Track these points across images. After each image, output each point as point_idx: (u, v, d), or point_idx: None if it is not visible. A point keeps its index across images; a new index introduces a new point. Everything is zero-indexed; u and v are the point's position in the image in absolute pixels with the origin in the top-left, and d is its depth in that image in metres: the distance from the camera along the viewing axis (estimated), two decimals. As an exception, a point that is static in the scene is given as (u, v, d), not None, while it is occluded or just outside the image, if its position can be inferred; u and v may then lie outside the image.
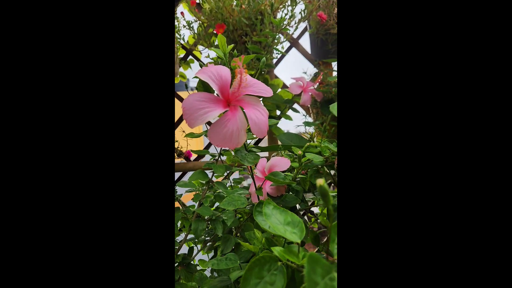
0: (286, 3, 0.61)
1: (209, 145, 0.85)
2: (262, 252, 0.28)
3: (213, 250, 0.63)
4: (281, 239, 0.27)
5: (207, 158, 0.92)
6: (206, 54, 0.73)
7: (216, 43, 0.68)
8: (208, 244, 0.63)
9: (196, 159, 0.90)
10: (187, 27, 0.66)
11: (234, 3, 0.58)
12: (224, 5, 0.57)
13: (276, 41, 0.55)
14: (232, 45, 0.30)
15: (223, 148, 0.64)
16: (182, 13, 0.69)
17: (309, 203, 0.75)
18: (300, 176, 0.42)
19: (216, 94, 0.25)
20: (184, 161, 0.87)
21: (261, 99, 0.40)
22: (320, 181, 0.16)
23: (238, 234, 0.55)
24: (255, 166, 0.47)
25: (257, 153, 0.35)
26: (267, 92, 0.25)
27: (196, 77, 0.25)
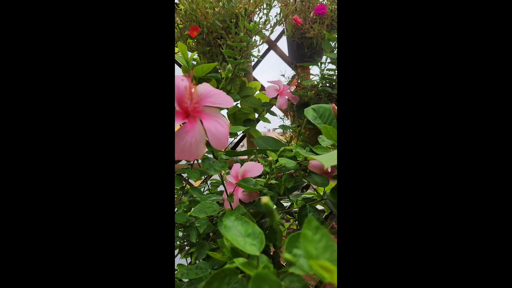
0: (262, 6, 0.61)
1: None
2: (229, 262, 0.28)
3: (190, 255, 0.62)
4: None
5: (183, 161, 0.91)
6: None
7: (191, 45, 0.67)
8: (186, 248, 0.62)
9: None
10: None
11: (208, 6, 0.57)
12: (198, 7, 0.56)
13: (251, 44, 0.55)
14: (195, 52, 0.30)
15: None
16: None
17: (288, 206, 0.76)
18: (272, 181, 0.42)
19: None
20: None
21: (223, 110, 0.40)
22: (265, 199, 0.16)
23: (213, 240, 0.55)
24: (229, 171, 0.47)
25: (226, 160, 0.35)
26: (228, 102, 0.25)
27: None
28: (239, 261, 0.22)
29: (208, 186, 0.68)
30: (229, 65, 0.33)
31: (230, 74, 0.33)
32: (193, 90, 0.23)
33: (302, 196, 0.65)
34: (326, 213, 0.87)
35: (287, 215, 0.77)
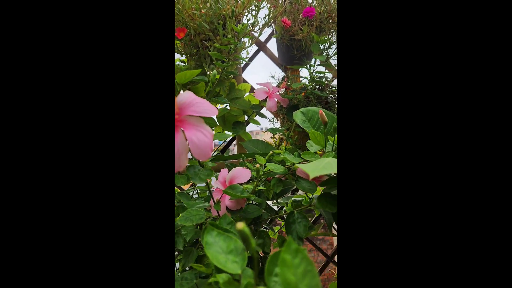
0: (250, 8, 0.60)
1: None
2: (212, 275, 0.27)
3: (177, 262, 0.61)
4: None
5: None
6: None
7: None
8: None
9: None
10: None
11: (194, 6, 0.56)
12: (184, 8, 0.55)
13: (239, 47, 0.54)
14: (178, 58, 0.29)
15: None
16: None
17: (279, 208, 0.75)
18: (260, 188, 0.42)
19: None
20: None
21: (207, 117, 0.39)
22: (240, 225, 0.15)
23: (200, 245, 0.54)
24: (217, 174, 0.46)
25: (211, 168, 0.34)
26: (211, 111, 0.24)
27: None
28: (221, 278, 0.22)
29: (197, 190, 0.67)
30: (215, 71, 0.32)
31: (215, 80, 0.32)
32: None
33: (292, 199, 0.65)
34: (316, 215, 0.87)
35: (279, 218, 0.77)
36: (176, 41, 0.65)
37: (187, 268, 0.47)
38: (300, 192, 0.84)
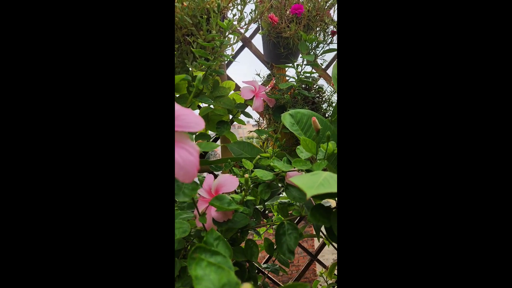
0: (235, 2, 0.56)
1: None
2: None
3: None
4: None
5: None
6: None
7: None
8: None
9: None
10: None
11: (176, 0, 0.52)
12: None
13: (225, 44, 0.51)
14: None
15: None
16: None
17: (262, 210, 0.73)
18: (248, 198, 0.40)
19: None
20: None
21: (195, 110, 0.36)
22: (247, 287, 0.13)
23: (184, 256, 0.51)
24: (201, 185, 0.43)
25: (196, 182, 0.31)
26: (198, 125, 0.21)
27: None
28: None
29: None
30: (200, 75, 0.29)
31: (200, 86, 0.29)
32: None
33: (278, 201, 0.63)
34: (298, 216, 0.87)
35: (264, 219, 0.75)
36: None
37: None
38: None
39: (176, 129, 0.21)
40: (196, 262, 0.20)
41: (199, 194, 0.42)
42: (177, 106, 0.21)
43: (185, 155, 0.20)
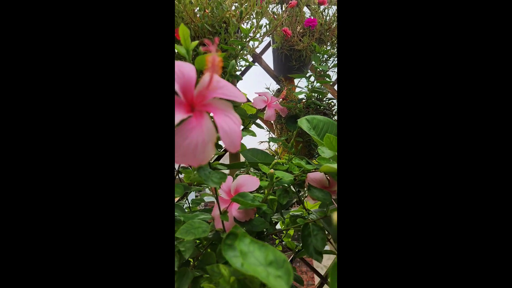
0: (251, 15, 0.59)
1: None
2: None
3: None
4: (256, 279, 0.21)
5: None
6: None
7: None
8: None
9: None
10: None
11: (197, 8, 0.54)
12: (185, 9, 0.52)
13: (243, 51, 0.52)
14: (197, 41, 0.25)
15: (181, 165, 0.57)
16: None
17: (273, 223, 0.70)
18: (271, 196, 0.38)
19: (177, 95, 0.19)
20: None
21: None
22: None
23: (195, 265, 0.48)
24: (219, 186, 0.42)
25: (223, 171, 0.30)
26: (240, 97, 0.21)
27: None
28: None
29: (188, 204, 0.61)
30: (233, 61, 0.29)
31: (232, 70, 0.29)
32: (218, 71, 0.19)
33: (290, 213, 0.61)
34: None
35: (274, 236, 0.72)
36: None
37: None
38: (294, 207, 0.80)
39: (220, 96, 0.20)
40: (239, 238, 0.18)
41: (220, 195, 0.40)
42: (218, 77, 0.21)
43: (230, 123, 0.19)
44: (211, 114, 0.20)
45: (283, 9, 0.73)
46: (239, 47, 0.49)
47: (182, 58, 0.57)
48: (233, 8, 0.56)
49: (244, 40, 0.53)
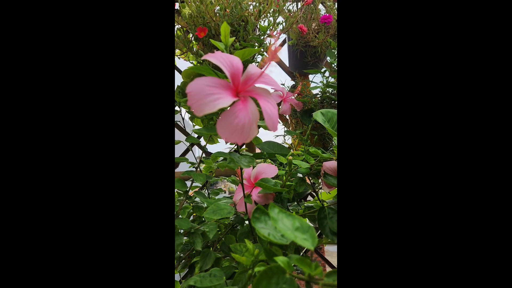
0: (268, 13, 0.61)
1: (185, 152, 0.80)
2: (257, 265, 0.26)
3: (187, 268, 0.58)
4: (280, 250, 0.24)
5: (180, 168, 0.87)
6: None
7: (195, 49, 0.66)
8: (182, 262, 0.58)
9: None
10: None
11: (217, 8, 0.57)
12: (207, 9, 0.56)
13: (262, 48, 0.55)
14: (234, 38, 0.28)
15: (203, 156, 0.60)
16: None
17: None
18: (289, 182, 0.41)
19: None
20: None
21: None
22: None
23: (217, 248, 0.51)
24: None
25: (253, 157, 0.33)
26: (277, 85, 0.24)
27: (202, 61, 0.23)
28: (281, 260, 0.20)
29: (208, 193, 0.65)
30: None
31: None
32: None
33: (304, 204, 0.63)
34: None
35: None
36: (195, 42, 0.65)
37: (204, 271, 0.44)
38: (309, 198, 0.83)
39: (262, 84, 0.23)
40: (270, 208, 0.21)
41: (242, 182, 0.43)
42: (257, 68, 0.24)
43: (270, 108, 0.22)
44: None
45: (299, 6, 0.75)
46: (257, 44, 0.51)
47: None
48: (251, 7, 0.59)
49: (262, 37, 0.56)
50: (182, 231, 0.47)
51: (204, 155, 0.63)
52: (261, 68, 0.23)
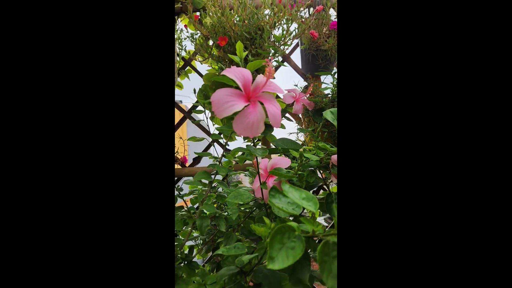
0: (282, 21, 0.67)
1: (207, 148, 0.88)
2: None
3: (211, 252, 0.65)
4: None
5: (202, 164, 0.95)
6: (199, 64, 0.78)
7: (214, 53, 0.73)
8: (204, 247, 0.65)
9: (191, 165, 0.92)
10: (190, 38, 0.71)
11: (237, 19, 0.64)
12: (227, 20, 0.63)
13: (277, 54, 0.61)
14: (247, 51, 0.35)
15: (224, 153, 0.67)
16: (185, 26, 0.74)
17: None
18: (300, 172, 0.47)
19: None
20: (179, 167, 0.89)
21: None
22: None
23: (237, 233, 0.58)
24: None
25: (266, 149, 0.39)
26: (281, 90, 0.30)
27: (218, 77, 0.29)
28: (292, 223, 0.26)
29: (228, 185, 0.72)
30: (276, 62, 0.38)
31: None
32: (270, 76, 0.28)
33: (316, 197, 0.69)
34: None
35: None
36: (214, 49, 0.73)
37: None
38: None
39: (268, 91, 0.29)
40: (282, 183, 0.27)
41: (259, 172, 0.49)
42: (264, 77, 0.30)
43: (274, 109, 0.28)
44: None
45: (311, 13, 0.81)
46: (272, 51, 0.58)
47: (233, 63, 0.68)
48: (267, 17, 0.65)
49: (277, 44, 0.62)
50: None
51: (224, 152, 0.70)
52: (270, 73, 0.29)
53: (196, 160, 0.93)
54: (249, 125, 0.27)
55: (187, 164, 0.89)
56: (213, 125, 0.77)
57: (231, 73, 0.28)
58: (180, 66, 0.86)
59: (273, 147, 0.75)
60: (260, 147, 0.44)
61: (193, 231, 0.54)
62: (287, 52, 0.93)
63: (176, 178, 0.90)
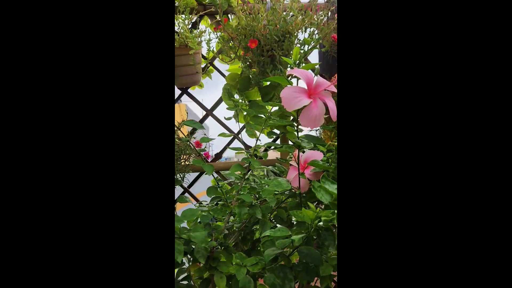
0: (308, 25, 0.72)
1: (229, 143, 0.93)
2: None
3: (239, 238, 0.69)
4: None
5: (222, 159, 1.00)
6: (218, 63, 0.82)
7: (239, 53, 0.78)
8: (235, 234, 0.69)
9: (212, 160, 0.97)
10: (219, 39, 0.76)
11: (265, 22, 0.68)
12: (258, 25, 0.67)
13: (308, 52, 0.66)
14: (303, 54, 0.40)
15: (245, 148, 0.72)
16: (215, 28, 0.78)
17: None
18: (333, 165, 0.51)
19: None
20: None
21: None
22: None
23: (271, 219, 0.63)
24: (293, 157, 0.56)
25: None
26: (333, 89, 0.35)
27: (287, 76, 0.34)
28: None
29: (267, 176, 0.76)
30: (318, 66, 0.43)
31: (317, 73, 0.43)
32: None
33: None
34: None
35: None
36: (239, 50, 0.77)
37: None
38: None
39: (327, 89, 0.34)
40: (322, 177, 0.32)
41: (291, 165, 0.54)
42: (322, 79, 0.35)
43: (332, 105, 0.33)
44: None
45: (329, 16, 0.85)
46: (303, 52, 0.63)
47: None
48: (290, 17, 0.70)
49: (303, 47, 0.67)
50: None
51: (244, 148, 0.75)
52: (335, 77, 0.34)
53: (218, 156, 0.98)
54: (312, 118, 0.32)
55: (209, 160, 0.94)
56: (236, 122, 0.82)
57: (298, 73, 0.34)
58: (205, 66, 0.91)
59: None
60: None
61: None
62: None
63: (198, 173, 0.95)
